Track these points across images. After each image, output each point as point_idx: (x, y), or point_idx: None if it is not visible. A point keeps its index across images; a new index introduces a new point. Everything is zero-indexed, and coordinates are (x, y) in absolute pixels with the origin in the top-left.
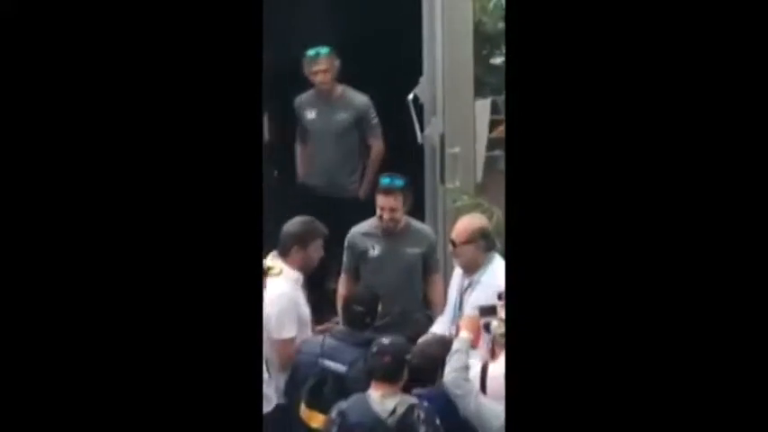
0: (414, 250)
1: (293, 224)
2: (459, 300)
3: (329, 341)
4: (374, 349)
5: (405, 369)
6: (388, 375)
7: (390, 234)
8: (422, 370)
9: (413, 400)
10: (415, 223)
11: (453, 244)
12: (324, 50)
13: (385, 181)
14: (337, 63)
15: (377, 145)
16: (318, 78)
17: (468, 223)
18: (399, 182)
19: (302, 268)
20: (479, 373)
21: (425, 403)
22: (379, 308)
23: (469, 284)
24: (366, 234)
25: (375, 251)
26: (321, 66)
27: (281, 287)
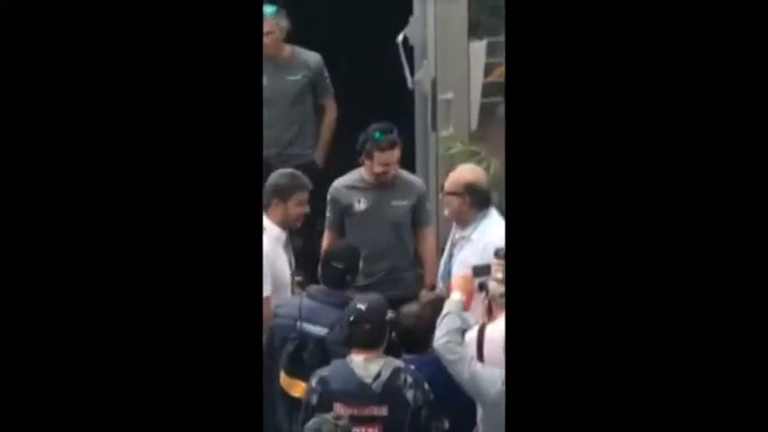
0: (403, 203)
1: (274, 176)
2: (449, 254)
3: (307, 303)
4: (351, 317)
5: (387, 330)
6: (370, 343)
7: (378, 186)
8: (412, 335)
9: (398, 362)
10: (405, 174)
11: (442, 189)
12: (270, 9)
13: (378, 135)
14: (285, 24)
15: (332, 107)
16: (264, 41)
17: (459, 174)
18: (394, 133)
19: (283, 223)
20: (476, 336)
21: (412, 366)
22: (361, 264)
23: (461, 239)
24: (350, 187)
25: (361, 205)
26: (266, 27)
27: None
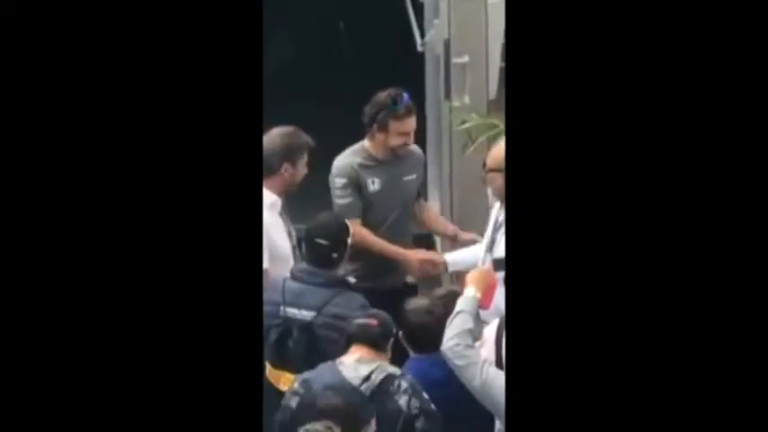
0: (413, 177)
1: (278, 137)
2: (491, 239)
3: (291, 285)
4: (358, 310)
5: (390, 341)
6: (373, 341)
7: (387, 163)
8: (422, 332)
9: (392, 369)
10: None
11: (484, 166)
12: None
13: (393, 103)
14: None
15: None
16: None
17: (501, 149)
18: (406, 98)
19: (286, 189)
20: (494, 337)
21: (409, 375)
22: (349, 239)
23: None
24: (363, 166)
25: (375, 186)
26: None
27: None
